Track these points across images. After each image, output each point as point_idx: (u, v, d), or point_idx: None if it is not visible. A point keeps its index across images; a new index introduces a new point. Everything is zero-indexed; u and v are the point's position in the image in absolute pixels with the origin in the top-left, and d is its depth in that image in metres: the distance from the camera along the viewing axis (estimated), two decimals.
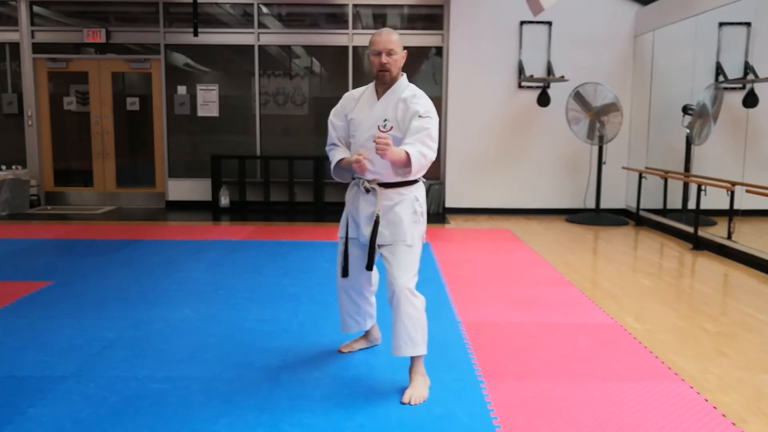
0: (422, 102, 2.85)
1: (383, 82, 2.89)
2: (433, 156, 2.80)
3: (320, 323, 3.80)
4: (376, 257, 2.95)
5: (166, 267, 5.23)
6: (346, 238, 3.00)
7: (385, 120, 2.85)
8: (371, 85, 2.98)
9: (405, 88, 2.90)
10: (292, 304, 4.20)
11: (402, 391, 2.82)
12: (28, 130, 8.79)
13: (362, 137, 2.90)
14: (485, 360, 3.25)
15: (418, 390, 2.78)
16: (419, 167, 2.76)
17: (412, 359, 2.86)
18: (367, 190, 2.89)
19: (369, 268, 2.88)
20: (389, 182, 2.86)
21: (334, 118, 3.05)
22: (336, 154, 3.00)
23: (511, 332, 3.71)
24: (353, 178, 3.01)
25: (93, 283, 4.71)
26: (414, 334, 2.79)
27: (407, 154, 2.70)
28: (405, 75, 2.95)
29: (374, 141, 2.65)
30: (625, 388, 2.92)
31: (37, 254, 5.73)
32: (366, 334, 3.37)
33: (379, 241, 2.86)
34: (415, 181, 2.91)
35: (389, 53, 2.83)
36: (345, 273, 2.94)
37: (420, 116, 2.79)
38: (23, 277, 4.83)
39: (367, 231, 2.89)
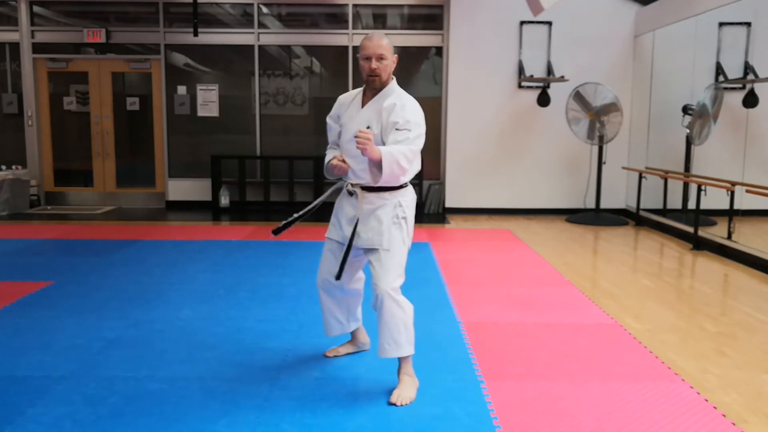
0: (408, 112, 2.80)
1: (372, 87, 2.88)
2: (407, 166, 2.75)
3: (320, 323, 3.76)
4: (363, 263, 2.99)
5: (166, 267, 5.23)
6: (335, 240, 3.03)
7: (368, 127, 2.82)
8: (362, 89, 2.98)
9: (391, 93, 2.87)
10: (292, 304, 4.20)
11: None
12: (28, 130, 8.79)
13: (345, 139, 2.92)
14: (485, 360, 3.25)
15: (405, 390, 2.78)
16: (390, 171, 2.69)
17: (400, 360, 2.85)
18: (350, 193, 2.92)
19: (338, 276, 2.87)
20: (372, 186, 2.83)
21: (330, 120, 3.09)
22: (328, 155, 3.04)
23: (511, 332, 3.71)
24: (340, 180, 3.03)
25: (93, 283, 4.71)
26: (397, 336, 2.78)
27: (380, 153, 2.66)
28: (395, 80, 2.92)
29: (355, 137, 2.66)
30: (625, 388, 2.92)
31: (37, 254, 5.73)
32: (353, 339, 3.33)
33: (357, 243, 2.87)
34: (400, 187, 2.88)
35: (379, 58, 2.81)
36: (339, 276, 2.90)
37: (398, 128, 2.76)
38: (23, 277, 4.83)
39: (347, 232, 2.91)
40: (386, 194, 2.87)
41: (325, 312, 3.17)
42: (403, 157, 2.72)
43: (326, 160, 3.02)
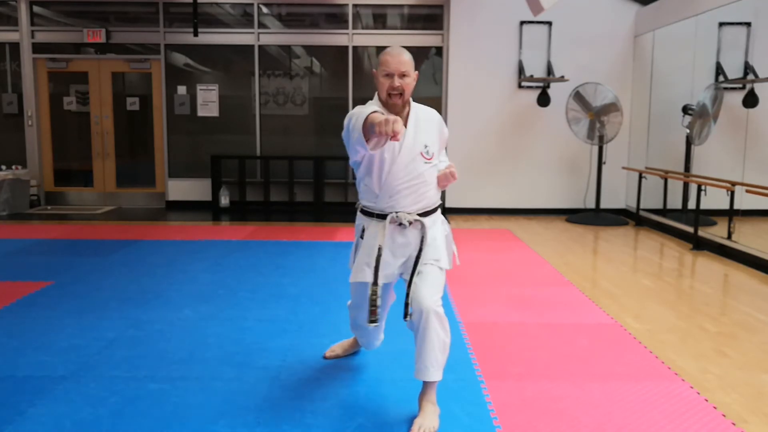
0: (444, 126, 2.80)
1: (393, 106, 2.60)
2: None
3: (320, 323, 3.80)
4: (396, 279, 2.77)
5: (166, 267, 5.23)
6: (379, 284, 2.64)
7: (426, 146, 2.63)
8: (376, 106, 2.60)
9: (419, 109, 2.70)
10: (292, 304, 4.20)
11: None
12: (28, 130, 8.79)
13: (403, 162, 2.59)
14: (485, 360, 3.25)
15: (428, 420, 2.55)
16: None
17: (425, 386, 2.64)
18: (402, 224, 2.62)
19: (405, 316, 2.58)
20: (429, 210, 2.68)
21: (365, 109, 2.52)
22: (365, 112, 2.42)
23: (511, 332, 3.71)
24: (378, 215, 2.66)
25: (93, 283, 4.71)
26: (441, 357, 2.58)
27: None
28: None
29: (450, 172, 2.67)
30: (625, 388, 2.92)
31: (37, 254, 5.73)
32: (353, 340, 3.29)
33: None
34: (440, 205, 2.81)
35: (402, 75, 2.56)
36: (375, 319, 2.63)
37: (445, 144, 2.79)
38: (23, 277, 4.83)
39: (401, 269, 2.69)
40: (435, 215, 2.75)
41: (363, 335, 3.06)
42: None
43: (364, 115, 2.40)
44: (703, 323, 3.94)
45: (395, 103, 2.59)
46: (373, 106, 2.57)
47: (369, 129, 2.35)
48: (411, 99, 2.68)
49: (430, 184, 2.68)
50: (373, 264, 2.62)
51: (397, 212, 2.63)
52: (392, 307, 3.08)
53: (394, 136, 2.22)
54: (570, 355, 3.36)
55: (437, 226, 2.75)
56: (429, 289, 2.57)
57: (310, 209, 8.56)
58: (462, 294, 4.49)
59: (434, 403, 2.63)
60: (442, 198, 8.56)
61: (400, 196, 2.62)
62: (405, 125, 2.59)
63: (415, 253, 2.64)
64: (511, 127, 8.46)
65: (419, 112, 2.70)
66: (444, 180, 2.71)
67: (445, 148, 2.85)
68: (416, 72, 2.63)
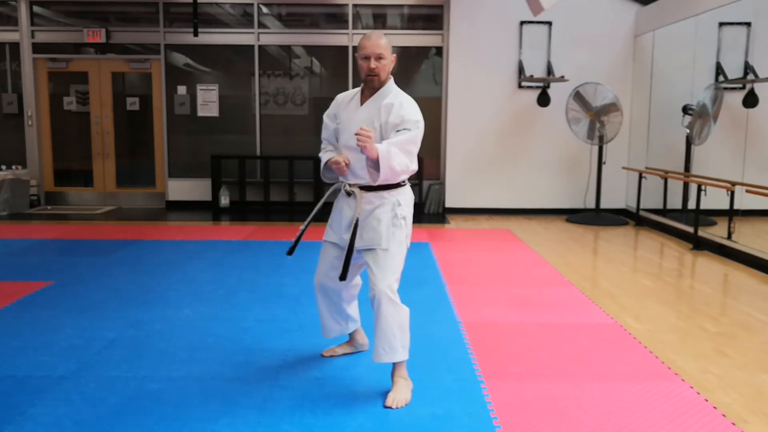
0: (406, 111, 2.81)
1: (371, 87, 2.87)
2: (407, 163, 2.75)
3: (320, 323, 3.79)
4: (363, 267, 2.95)
5: (166, 267, 5.23)
6: (332, 243, 3.01)
7: (374, 126, 2.82)
8: (360, 88, 2.97)
9: (389, 93, 2.87)
10: (291, 304, 4.20)
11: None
12: (28, 130, 8.79)
13: (344, 138, 2.89)
14: (485, 360, 3.25)
15: (401, 393, 2.75)
16: (388, 169, 2.70)
17: (394, 365, 2.83)
18: (348, 194, 2.89)
19: (342, 277, 2.80)
20: (371, 185, 2.82)
21: (326, 119, 3.04)
22: (325, 156, 2.99)
23: (511, 332, 3.71)
24: (339, 181, 3.00)
25: (93, 283, 4.71)
26: (393, 340, 2.75)
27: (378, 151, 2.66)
28: (392, 79, 2.92)
29: (356, 134, 2.64)
30: (625, 388, 2.92)
31: (37, 254, 5.73)
32: (351, 339, 3.32)
33: (358, 245, 2.83)
34: (398, 185, 2.87)
35: (378, 58, 2.80)
36: (344, 276, 2.84)
37: (398, 130, 2.78)
38: (23, 277, 4.83)
39: (346, 235, 2.86)
40: (385, 193, 2.85)
41: (323, 314, 3.16)
42: (402, 153, 2.73)
43: (323, 160, 2.98)
44: (703, 323, 3.94)
45: (371, 84, 2.86)
46: (327, 154, 2.99)
47: (328, 169, 2.95)
48: (392, 81, 2.91)
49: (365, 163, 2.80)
50: (332, 224, 3.03)
51: (342, 182, 2.93)
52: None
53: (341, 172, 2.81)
54: (570, 355, 3.36)
55: (385, 207, 2.84)
56: (380, 273, 2.77)
57: (310, 209, 8.46)
58: (462, 294, 4.49)
59: (405, 378, 2.83)
60: (442, 198, 8.53)
61: (351, 168, 2.86)
62: (374, 101, 2.87)
63: (352, 220, 2.83)
64: (511, 127, 8.46)
65: (384, 95, 2.86)
66: (359, 141, 2.65)
67: (407, 129, 2.79)
68: (394, 55, 2.89)
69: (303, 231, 3.01)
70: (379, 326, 2.76)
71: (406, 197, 2.92)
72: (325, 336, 3.21)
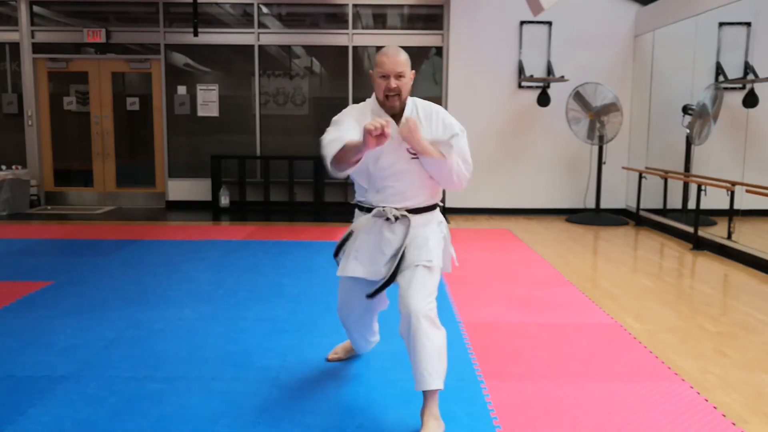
0: (445, 115, 2.60)
1: (391, 107, 2.56)
2: (468, 175, 2.59)
3: (320, 323, 3.80)
4: (384, 279, 2.64)
5: (166, 267, 5.22)
6: (362, 279, 2.67)
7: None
8: (373, 106, 2.63)
9: (414, 106, 2.61)
10: (291, 304, 4.20)
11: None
12: (28, 130, 8.79)
13: (387, 161, 2.55)
14: (485, 360, 3.25)
15: None
16: (456, 172, 2.52)
17: (426, 398, 2.49)
18: (389, 219, 2.58)
19: (372, 295, 2.59)
20: (419, 207, 2.62)
21: (347, 118, 2.61)
22: (334, 144, 2.48)
23: (511, 332, 3.71)
24: (369, 210, 2.65)
25: (93, 283, 4.71)
26: (437, 363, 2.44)
27: (443, 155, 2.46)
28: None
29: (402, 126, 2.42)
30: (625, 388, 2.92)
31: (37, 254, 5.73)
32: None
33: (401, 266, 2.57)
34: (436, 206, 2.72)
35: (398, 76, 2.51)
36: (373, 295, 2.63)
37: (447, 134, 2.54)
38: (23, 277, 4.83)
39: (386, 267, 2.59)
40: (429, 215, 2.67)
41: (355, 338, 3.04)
42: (463, 162, 2.56)
43: (338, 145, 2.44)
44: (703, 323, 3.94)
45: (392, 105, 2.56)
46: (348, 131, 2.51)
47: (352, 151, 2.35)
48: (409, 97, 2.63)
49: (418, 182, 2.61)
50: (360, 256, 2.63)
51: (383, 207, 2.61)
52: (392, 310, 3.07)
53: (383, 136, 2.20)
54: (570, 355, 3.36)
55: (431, 226, 2.67)
56: (417, 292, 2.47)
57: (310, 209, 8.55)
58: (462, 294, 4.49)
59: (437, 418, 2.48)
60: (442, 198, 8.56)
61: (387, 191, 2.60)
62: (398, 124, 2.52)
63: (401, 250, 2.56)
64: (511, 127, 8.46)
65: (416, 109, 2.62)
66: (405, 132, 2.44)
67: (456, 135, 2.58)
68: (413, 71, 2.59)
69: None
70: (422, 349, 2.41)
71: (443, 218, 2.79)
72: (360, 353, 3.18)
